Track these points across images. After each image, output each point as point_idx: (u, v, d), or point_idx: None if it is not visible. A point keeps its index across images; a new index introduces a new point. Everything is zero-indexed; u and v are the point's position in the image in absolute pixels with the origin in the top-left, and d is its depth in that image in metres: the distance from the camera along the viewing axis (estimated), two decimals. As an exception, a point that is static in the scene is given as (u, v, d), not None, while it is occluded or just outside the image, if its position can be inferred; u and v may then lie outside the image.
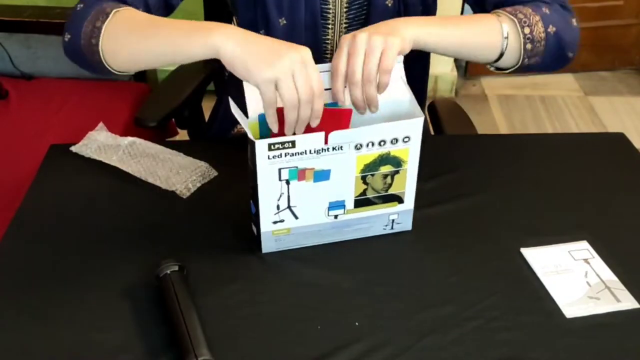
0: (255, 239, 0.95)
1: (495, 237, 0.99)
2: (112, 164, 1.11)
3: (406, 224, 0.99)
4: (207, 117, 1.49)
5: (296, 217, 0.93)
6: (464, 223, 1.02)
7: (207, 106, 1.46)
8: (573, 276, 0.92)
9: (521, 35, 0.98)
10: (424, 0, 1.12)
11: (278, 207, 0.91)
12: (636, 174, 1.16)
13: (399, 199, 0.95)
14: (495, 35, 0.98)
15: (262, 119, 0.89)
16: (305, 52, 0.82)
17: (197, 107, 1.50)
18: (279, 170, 0.87)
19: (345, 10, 1.12)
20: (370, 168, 0.91)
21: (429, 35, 0.93)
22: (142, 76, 2.07)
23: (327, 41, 1.15)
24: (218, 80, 1.48)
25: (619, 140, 1.24)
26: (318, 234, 0.95)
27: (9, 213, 1.03)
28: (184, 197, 1.06)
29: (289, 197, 0.90)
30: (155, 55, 0.91)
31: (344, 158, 0.89)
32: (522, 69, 1.02)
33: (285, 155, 0.86)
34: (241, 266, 0.93)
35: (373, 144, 0.89)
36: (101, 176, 1.10)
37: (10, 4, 2.06)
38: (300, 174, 0.88)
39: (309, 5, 1.10)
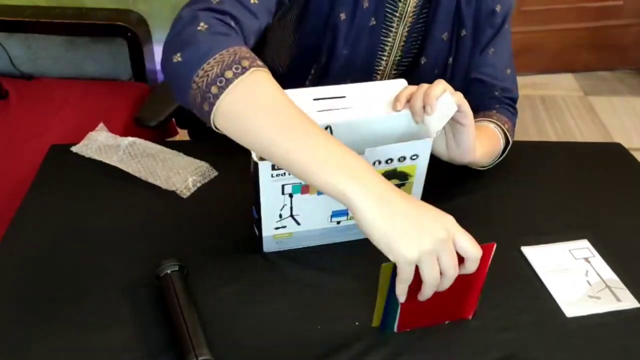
0: (257, 239, 0.95)
1: (496, 235, 0.99)
2: (113, 164, 1.11)
3: None
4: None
5: (298, 224, 0.93)
6: (464, 222, 1.02)
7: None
8: (573, 275, 0.92)
9: (510, 143, 1.13)
10: (474, 38, 1.14)
11: (280, 215, 0.91)
12: (636, 175, 1.16)
13: None
14: (499, 148, 1.11)
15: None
16: (451, 225, 0.73)
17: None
18: (282, 186, 0.87)
19: (403, 43, 1.12)
20: None
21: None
22: (142, 76, 2.07)
23: (379, 72, 1.15)
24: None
25: (617, 150, 1.25)
26: (319, 236, 0.96)
27: (9, 213, 1.03)
28: (184, 197, 1.06)
29: (291, 208, 0.90)
30: (279, 159, 0.75)
31: None
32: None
33: (290, 175, 0.85)
34: (241, 266, 0.93)
35: (380, 162, 0.89)
36: (101, 176, 1.10)
37: (10, 4, 2.06)
38: (303, 188, 0.88)
39: (372, 37, 1.09)
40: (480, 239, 0.99)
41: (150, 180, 1.08)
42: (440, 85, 0.90)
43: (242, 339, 0.83)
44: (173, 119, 1.47)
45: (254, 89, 0.76)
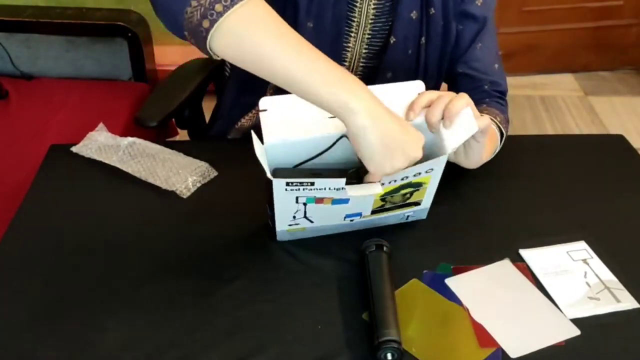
0: (270, 229, 0.96)
1: (494, 238, 0.99)
2: (113, 164, 1.11)
3: (420, 215, 1.00)
4: (207, 117, 1.49)
5: (311, 222, 0.93)
6: (462, 224, 1.02)
7: (207, 106, 1.47)
8: (572, 277, 0.92)
9: (505, 136, 1.12)
10: (445, 16, 1.14)
11: (294, 217, 0.91)
12: (634, 174, 1.16)
13: (416, 204, 0.96)
14: (497, 143, 1.11)
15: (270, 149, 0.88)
16: (421, 151, 0.85)
17: (197, 107, 1.50)
18: (297, 197, 0.87)
19: (370, 21, 1.13)
20: (390, 193, 0.91)
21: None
22: (142, 76, 2.07)
23: (348, 49, 1.15)
24: (218, 80, 1.48)
25: (618, 141, 1.24)
26: (333, 229, 0.96)
27: (9, 213, 1.03)
28: (184, 197, 1.06)
29: (305, 212, 0.91)
30: (281, 75, 0.80)
31: (365, 193, 0.88)
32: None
33: (304, 190, 0.85)
34: (242, 265, 0.93)
35: (395, 180, 0.88)
36: (101, 176, 1.10)
37: (10, 4, 2.06)
38: (318, 200, 0.88)
39: (336, 11, 1.10)
40: (478, 242, 0.99)
41: (150, 180, 1.08)
42: (463, 100, 0.89)
43: (242, 337, 0.83)
44: (173, 119, 1.47)
45: (256, 11, 0.80)
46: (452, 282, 0.91)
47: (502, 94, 1.21)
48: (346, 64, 1.17)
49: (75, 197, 1.07)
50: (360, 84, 0.81)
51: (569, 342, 0.83)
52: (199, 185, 1.08)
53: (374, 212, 0.94)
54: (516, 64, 2.88)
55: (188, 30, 0.82)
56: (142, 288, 0.90)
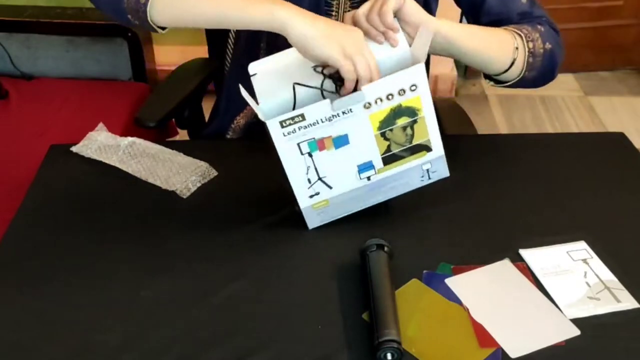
0: (300, 218, 0.97)
1: (494, 237, 0.99)
2: (112, 164, 1.11)
3: (442, 171, 0.99)
4: (207, 117, 1.49)
5: (330, 187, 0.94)
6: (462, 224, 1.02)
7: (207, 106, 1.47)
8: (572, 277, 0.92)
9: (526, 49, 1.06)
10: None
11: (309, 180, 0.93)
12: (634, 173, 1.16)
13: (426, 148, 0.96)
14: (509, 46, 1.05)
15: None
16: (360, 33, 0.91)
17: (197, 107, 1.50)
18: (298, 145, 0.89)
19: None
20: (386, 123, 0.92)
21: (451, 28, 0.98)
22: (142, 76, 2.07)
23: (332, 10, 1.15)
24: (218, 79, 1.48)
25: (619, 140, 1.24)
26: (357, 198, 0.97)
27: (9, 213, 1.03)
28: (184, 197, 1.06)
29: (316, 168, 0.92)
30: (212, 14, 0.92)
31: (357, 120, 0.90)
32: (520, 83, 1.10)
33: (299, 129, 0.88)
34: (242, 265, 0.93)
35: (381, 100, 0.90)
36: (101, 176, 1.10)
37: (10, 4, 2.07)
38: (319, 144, 0.90)
39: None
40: (478, 242, 0.99)
41: (150, 180, 1.08)
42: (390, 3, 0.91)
43: (242, 337, 0.83)
44: (173, 119, 1.47)
45: None
46: (452, 282, 0.91)
47: (536, 17, 1.13)
48: (333, 13, 1.16)
49: (75, 197, 1.07)
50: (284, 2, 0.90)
51: (569, 342, 0.83)
52: (199, 185, 1.08)
53: (385, 162, 0.94)
54: (516, 64, 2.87)
55: (130, 12, 0.96)
56: (143, 288, 0.90)
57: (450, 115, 1.38)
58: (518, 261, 0.95)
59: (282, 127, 0.88)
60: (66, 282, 0.91)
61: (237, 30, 1.22)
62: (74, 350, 0.81)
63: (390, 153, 0.94)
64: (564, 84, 3.03)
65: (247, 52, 1.20)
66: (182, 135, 1.64)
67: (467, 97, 2.90)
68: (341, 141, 0.91)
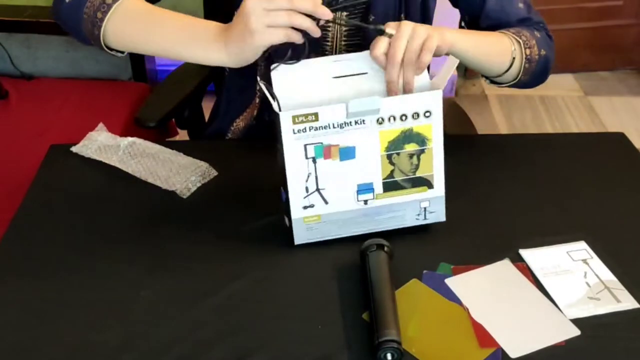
0: (288, 231, 0.96)
1: (494, 237, 0.99)
2: (112, 164, 1.11)
3: (439, 215, 0.98)
4: (207, 117, 1.49)
5: (326, 202, 0.93)
6: (462, 224, 1.02)
7: (207, 106, 1.47)
8: (572, 277, 0.92)
9: (524, 55, 1.09)
10: None
11: (307, 189, 0.92)
12: (635, 173, 1.16)
13: (428, 184, 0.96)
14: (507, 51, 1.08)
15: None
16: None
17: (197, 107, 1.50)
18: (305, 146, 0.89)
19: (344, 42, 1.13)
20: (394, 146, 0.92)
21: (465, 40, 1.00)
22: (142, 76, 2.07)
23: (328, 29, 1.15)
24: (218, 80, 1.48)
25: (619, 140, 1.24)
26: (350, 222, 0.96)
27: (9, 213, 1.03)
28: (184, 197, 1.06)
29: (316, 177, 0.91)
30: (159, 48, 0.97)
31: (367, 134, 0.90)
32: (512, 85, 1.13)
33: (310, 130, 0.88)
34: (241, 265, 0.93)
35: (395, 119, 0.90)
36: (101, 176, 1.10)
37: (10, 4, 2.06)
38: (325, 151, 0.90)
39: None
40: (478, 242, 0.99)
41: (150, 180, 1.08)
42: (415, 45, 0.90)
43: (242, 337, 0.83)
44: (173, 119, 1.47)
45: (127, 10, 0.97)
46: (452, 282, 0.91)
47: (534, 22, 1.15)
48: (328, 44, 1.17)
49: (75, 197, 1.07)
50: (206, 24, 0.93)
51: (569, 342, 0.83)
52: (199, 185, 1.08)
53: (385, 188, 0.94)
54: (516, 64, 2.87)
55: (89, 36, 1.00)
56: (142, 288, 0.90)
57: (450, 115, 1.38)
58: (518, 261, 0.95)
59: (294, 122, 0.87)
60: (66, 282, 0.91)
61: None
62: (74, 350, 0.81)
63: (392, 180, 0.94)
64: (564, 84, 3.03)
65: None
66: (182, 135, 1.64)
67: (467, 97, 2.90)
68: (347, 153, 0.91)
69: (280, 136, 0.88)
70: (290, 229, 0.95)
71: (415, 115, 0.90)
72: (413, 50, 0.89)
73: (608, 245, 0.97)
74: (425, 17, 1.18)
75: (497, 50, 1.07)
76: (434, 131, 0.92)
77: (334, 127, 0.88)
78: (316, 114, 0.87)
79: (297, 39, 0.87)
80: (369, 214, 0.96)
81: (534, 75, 1.13)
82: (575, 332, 0.84)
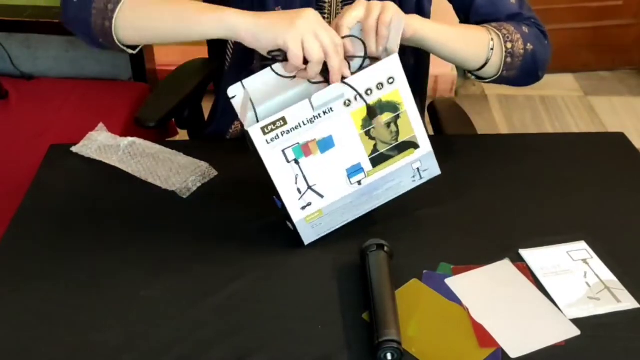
0: (288, 231, 0.95)
1: (494, 237, 0.99)
2: (113, 164, 1.12)
3: (433, 169, 0.98)
4: (206, 117, 1.49)
5: (321, 196, 0.93)
6: (462, 224, 1.02)
7: (207, 106, 1.47)
8: (572, 277, 0.92)
9: (503, 49, 1.08)
10: None
11: (299, 190, 0.91)
12: (635, 173, 1.16)
13: (413, 145, 0.95)
14: (483, 44, 1.07)
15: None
16: (314, 13, 0.88)
17: (197, 107, 1.50)
18: (283, 152, 0.88)
19: (341, 0, 1.13)
20: (369, 121, 0.91)
21: (431, 29, 1.00)
22: (142, 76, 2.07)
23: (324, 3, 1.15)
24: (217, 80, 1.48)
25: (619, 140, 1.24)
26: (350, 206, 0.95)
27: (9, 213, 1.03)
28: (184, 197, 1.06)
29: (304, 177, 0.91)
30: (169, 29, 0.96)
31: (339, 119, 0.89)
32: (499, 81, 1.12)
33: (282, 135, 0.87)
34: (241, 265, 0.93)
35: (360, 96, 0.89)
36: (101, 176, 1.10)
37: (10, 4, 2.06)
38: (304, 149, 0.89)
39: None
40: (478, 242, 0.99)
41: (150, 180, 1.08)
42: (388, 13, 0.91)
43: (242, 337, 0.83)
44: (173, 119, 1.47)
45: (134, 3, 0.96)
46: (452, 282, 0.91)
47: (524, 17, 1.14)
48: (325, 13, 1.16)
49: (75, 197, 1.07)
50: (228, 7, 0.91)
51: (569, 342, 0.83)
52: (199, 185, 1.08)
53: (374, 163, 0.94)
54: (516, 64, 2.87)
55: (100, 35, 0.98)
56: (142, 288, 0.90)
57: (450, 115, 1.39)
58: (518, 261, 0.95)
59: (264, 133, 0.86)
60: (66, 282, 0.91)
61: None
62: (74, 350, 0.81)
63: (378, 153, 0.94)
64: (564, 84, 3.04)
65: (245, 53, 1.20)
66: (182, 135, 1.64)
67: (467, 97, 2.90)
68: (326, 144, 0.90)
69: (256, 149, 0.87)
70: (296, 233, 0.95)
71: (380, 86, 0.90)
72: (370, 25, 0.91)
73: (608, 245, 0.97)
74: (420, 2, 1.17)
75: (472, 42, 1.06)
76: (403, 94, 0.92)
77: (304, 125, 0.88)
78: (283, 118, 0.87)
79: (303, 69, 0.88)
80: (367, 192, 0.96)
81: (521, 71, 1.11)
82: (575, 332, 0.84)
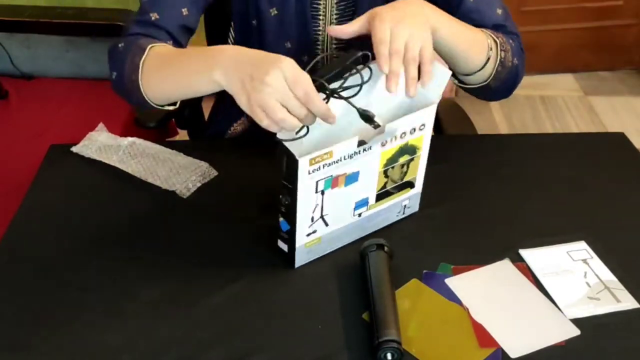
0: (285, 256, 0.93)
1: (494, 237, 0.99)
2: (113, 164, 1.11)
3: (415, 207, 1.01)
4: (206, 118, 1.49)
5: (326, 225, 0.92)
6: (462, 224, 1.02)
7: (207, 106, 1.47)
8: (572, 277, 0.92)
9: (498, 57, 1.04)
10: None
11: (312, 219, 0.90)
12: (634, 173, 1.16)
13: (411, 185, 0.97)
14: (484, 47, 1.03)
15: None
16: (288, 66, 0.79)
17: (197, 107, 1.50)
18: (317, 182, 0.86)
19: (335, 2, 1.13)
20: (391, 161, 0.92)
21: (449, 27, 0.96)
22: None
23: (318, 32, 1.15)
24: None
25: (619, 140, 1.24)
26: (344, 234, 0.96)
27: (9, 213, 1.03)
28: (184, 197, 1.06)
29: (322, 207, 0.89)
30: (174, 91, 0.97)
31: (372, 157, 0.89)
32: (481, 90, 1.08)
33: (324, 167, 0.84)
34: (241, 265, 0.93)
35: (396, 138, 0.89)
36: (101, 176, 1.10)
37: (10, 4, 2.06)
38: (334, 181, 0.88)
39: None
40: (478, 242, 0.99)
41: (150, 180, 1.08)
42: (428, 57, 0.87)
43: (242, 337, 0.83)
44: (173, 119, 1.47)
45: (151, 60, 0.97)
46: (452, 282, 0.91)
47: (509, 32, 1.11)
48: (319, 46, 1.17)
49: (75, 197, 1.07)
50: (216, 49, 0.88)
51: (569, 342, 0.83)
52: (199, 185, 1.08)
53: (378, 198, 0.94)
54: (516, 64, 2.88)
55: (142, 103, 1.01)
56: (142, 288, 0.90)
57: (450, 115, 1.39)
58: (518, 261, 0.95)
59: (311, 164, 0.83)
60: (66, 282, 0.91)
61: (235, 33, 1.22)
62: (74, 350, 0.81)
63: (384, 190, 0.94)
64: (564, 84, 3.03)
65: None
66: (182, 135, 1.64)
67: (467, 97, 2.88)
68: (352, 178, 0.89)
69: (295, 178, 0.83)
70: (288, 255, 0.93)
71: (412, 131, 0.91)
72: (413, 52, 0.87)
73: (608, 245, 0.97)
74: None
75: (476, 42, 1.03)
76: (425, 140, 0.93)
77: (345, 159, 0.86)
78: (330, 152, 0.84)
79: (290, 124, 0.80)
80: (362, 223, 0.96)
81: (502, 83, 1.08)
82: (575, 332, 0.84)
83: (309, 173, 0.84)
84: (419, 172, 0.97)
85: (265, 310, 0.87)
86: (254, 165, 1.12)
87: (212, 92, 0.89)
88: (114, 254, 0.96)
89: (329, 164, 0.85)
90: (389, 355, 0.78)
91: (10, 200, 1.10)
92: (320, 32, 1.15)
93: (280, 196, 0.88)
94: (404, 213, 1.00)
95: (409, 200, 0.99)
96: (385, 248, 0.91)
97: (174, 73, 0.95)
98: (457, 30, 0.98)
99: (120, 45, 1.04)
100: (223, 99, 1.30)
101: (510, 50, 1.07)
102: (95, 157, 1.13)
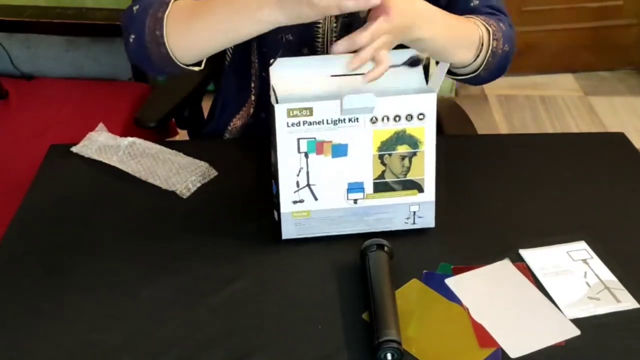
0: (275, 226, 0.95)
1: (494, 237, 0.99)
2: (113, 164, 1.12)
3: (428, 220, 0.98)
4: (206, 116, 1.49)
5: (315, 198, 0.93)
6: (462, 224, 1.02)
7: (207, 106, 1.47)
8: (572, 277, 0.92)
9: (490, 47, 1.02)
10: None
11: (298, 183, 0.91)
12: (635, 173, 1.16)
13: (418, 187, 0.95)
14: (474, 43, 1.01)
15: None
16: None
17: (197, 107, 1.50)
18: (298, 140, 0.89)
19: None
20: (387, 146, 0.91)
21: (430, 30, 0.93)
22: (142, 76, 2.07)
23: (319, 24, 1.14)
24: (218, 79, 1.48)
25: (619, 140, 1.24)
26: (339, 220, 0.95)
27: (9, 213, 1.03)
28: (184, 197, 1.06)
29: (307, 173, 0.91)
30: (213, 40, 0.94)
31: (361, 132, 0.90)
32: (470, 80, 1.07)
33: (303, 124, 0.87)
34: (241, 265, 0.93)
35: (388, 119, 0.90)
36: (101, 176, 1.10)
37: (10, 4, 2.06)
38: (318, 146, 0.89)
39: None
40: (478, 242, 0.99)
41: (150, 180, 1.08)
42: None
43: (242, 337, 0.83)
44: (173, 119, 1.47)
45: (177, 12, 0.94)
46: (452, 282, 0.91)
47: (497, 9, 1.10)
48: (319, 38, 1.16)
49: (75, 197, 1.07)
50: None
51: (569, 342, 0.83)
52: (199, 185, 1.08)
53: (375, 188, 0.94)
54: (516, 64, 2.86)
55: (165, 65, 0.97)
56: (142, 288, 0.90)
57: (450, 115, 1.39)
58: (518, 261, 0.95)
59: (289, 116, 0.87)
60: (66, 281, 0.91)
61: None
62: (74, 350, 0.81)
63: (383, 180, 0.94)
64: (564, 84, 3.04)
65: (244, 52, 1.20)
66: (182, 135, 1.64)
67: (467, 97, 2.90)
68: (340, 150, 0.91)
69: (274, 127, 0.88)
70: (278, 224, 0.95)
71: (409, 117, 0.90)
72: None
73: (608, 245, 0.97)
74: None
75: (466, 39, 1.01)
76: (427, 135, 0.92)
77: (327, 123, 0.89)
78: (311, 109, 0.87)
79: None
80: (358, 214, 0.96)
81: (492, 72, 1.07)
82: (575, 332, 0.84)
83: (288, 126, 0.88)
84: (426, 173, 0.95)
85: (265, 310, 0.87)
86: (254, 165, 1.12)
87: (254, 35, 0.90)
88: (114, 254, 0.96)
89: (310, 123, 0.88)
90: (388, 355, 0.78)
91: (10, 200, 1.10)
92: (320, 25, 1.15)
93: (272, 157, 0.91)
94: (414, 222, 0.98)
95: (418, 207, 0.97)
96: (386, 248, 0.91)
97: (207, 19, 0.92)
98: (444, 28, 0.96)
99: (135, 7, 0.99)
100: (222, 94, 1.30)
101: (501, 37, 1.05)
102: (95, 157, 1.13)
